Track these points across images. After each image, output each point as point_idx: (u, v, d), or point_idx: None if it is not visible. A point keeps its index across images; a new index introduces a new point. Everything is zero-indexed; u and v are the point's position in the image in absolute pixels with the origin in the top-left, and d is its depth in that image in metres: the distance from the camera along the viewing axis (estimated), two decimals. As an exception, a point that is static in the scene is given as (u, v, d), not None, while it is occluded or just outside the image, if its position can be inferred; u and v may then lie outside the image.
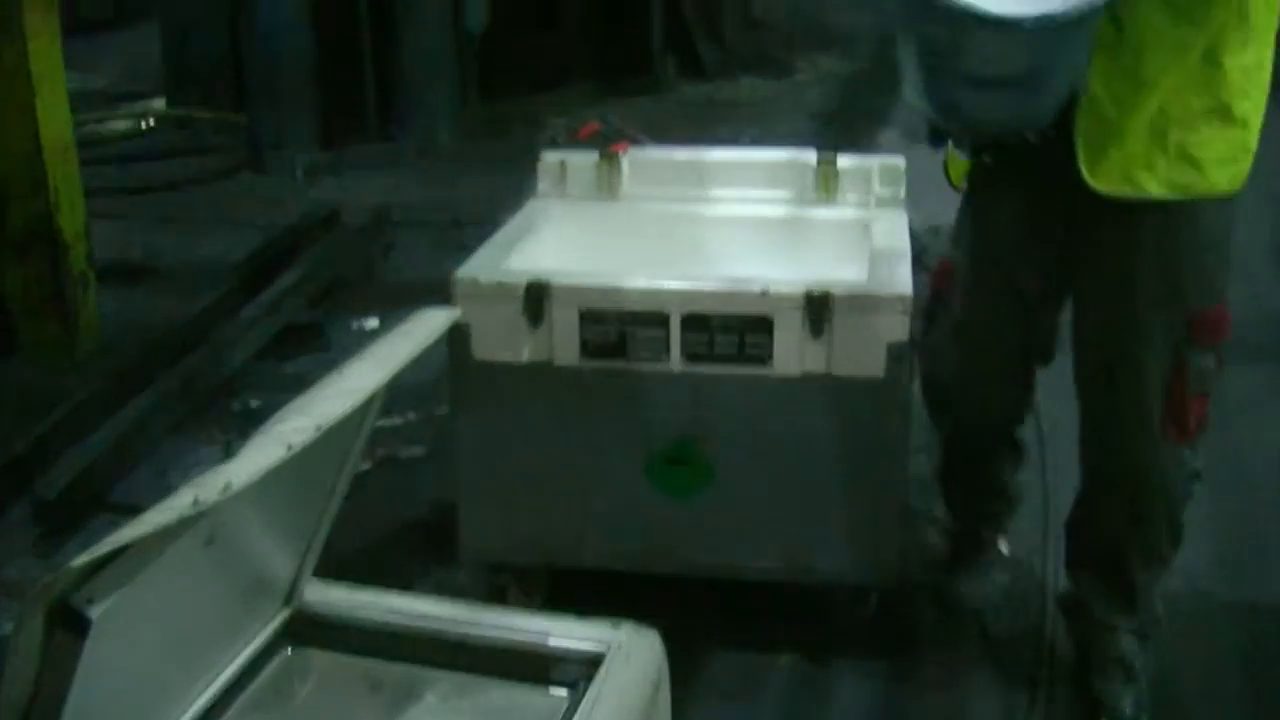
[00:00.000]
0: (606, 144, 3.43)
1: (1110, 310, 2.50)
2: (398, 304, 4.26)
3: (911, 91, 2.32)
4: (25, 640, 1.25)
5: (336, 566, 2.05)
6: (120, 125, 7.41)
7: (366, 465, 3.51)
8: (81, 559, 1.24)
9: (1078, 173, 2.33)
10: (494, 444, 2.82)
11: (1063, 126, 2.31)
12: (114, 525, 1.28)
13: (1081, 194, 2.35)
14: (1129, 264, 2.44)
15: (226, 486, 1.34)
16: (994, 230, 2.63)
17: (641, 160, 3.28)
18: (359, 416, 1.81)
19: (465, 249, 2.97)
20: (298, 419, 1.52)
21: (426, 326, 1.78)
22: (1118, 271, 2.46)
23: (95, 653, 1.29)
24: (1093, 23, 2.13)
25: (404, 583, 2.77)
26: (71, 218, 4.46)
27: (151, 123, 7.45)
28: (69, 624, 1.25)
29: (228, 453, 1.46)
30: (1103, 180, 2.34)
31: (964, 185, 2.68)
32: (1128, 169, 2.33)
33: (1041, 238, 2.54)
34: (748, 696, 2.83)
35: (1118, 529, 2.62)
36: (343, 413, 1.55)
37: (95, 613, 1.24)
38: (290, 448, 1.45)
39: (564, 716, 1.75)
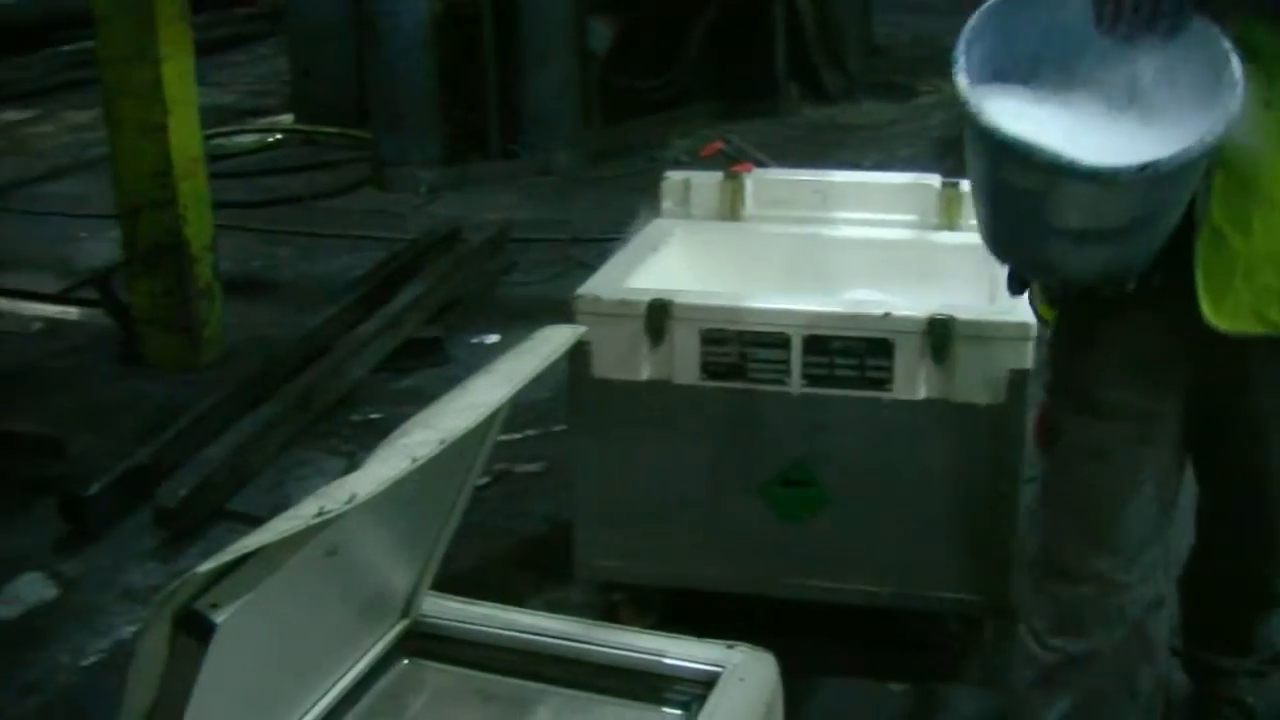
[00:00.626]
0: (730, 164, 3.42)
1: (1254, 439, 2.19)
2: (517, 320, 4.31)
3: (989, 241, 2.05)
4: (150, 644, 1.26)
5: (452, 581, 2.06)
6: (247, 140, 7.55)
7: (484, 480, 3.52)
8: (208, 565, 1.25)
9: (1199, 309, 1.95)
10: (611, 462, 2.81)
11: (1178, 254, 1.94)
12: (233, 534, 1.29)
13: (1206, 329, 1.97)
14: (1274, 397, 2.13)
15: (351, 497, 1.34)
16: (1105, 371, 2.16)
17: (765, 181, 3.26)
18: (481, 432, 1.81)
19: (585, 267, 2.99)
20: (422, 432, 1.53)
21: (550, 343, 1.78)
22: (1261, 405, 2.14)
23: (217, 659, 1.30)
24: (1203, 163, 1.80)
25: (517, 598, 2.77)
26: (199, 231, 4.54)
27: (278, 137, 7.58)
28: (193, 629, 1.26)
29: (351, 464, 1.46)
30: (1229, 319, 1.95)
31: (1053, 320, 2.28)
32: (1260, 306, 1.95)
33: (1161, 375, 2.14)
34: (861, 723, 2.80)
35: (1235, 579, 2.53)
36: (467, 427, 1.55)
37: (219, 618, 1.25)
38: (414, 460, 1.46)
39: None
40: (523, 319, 3.62)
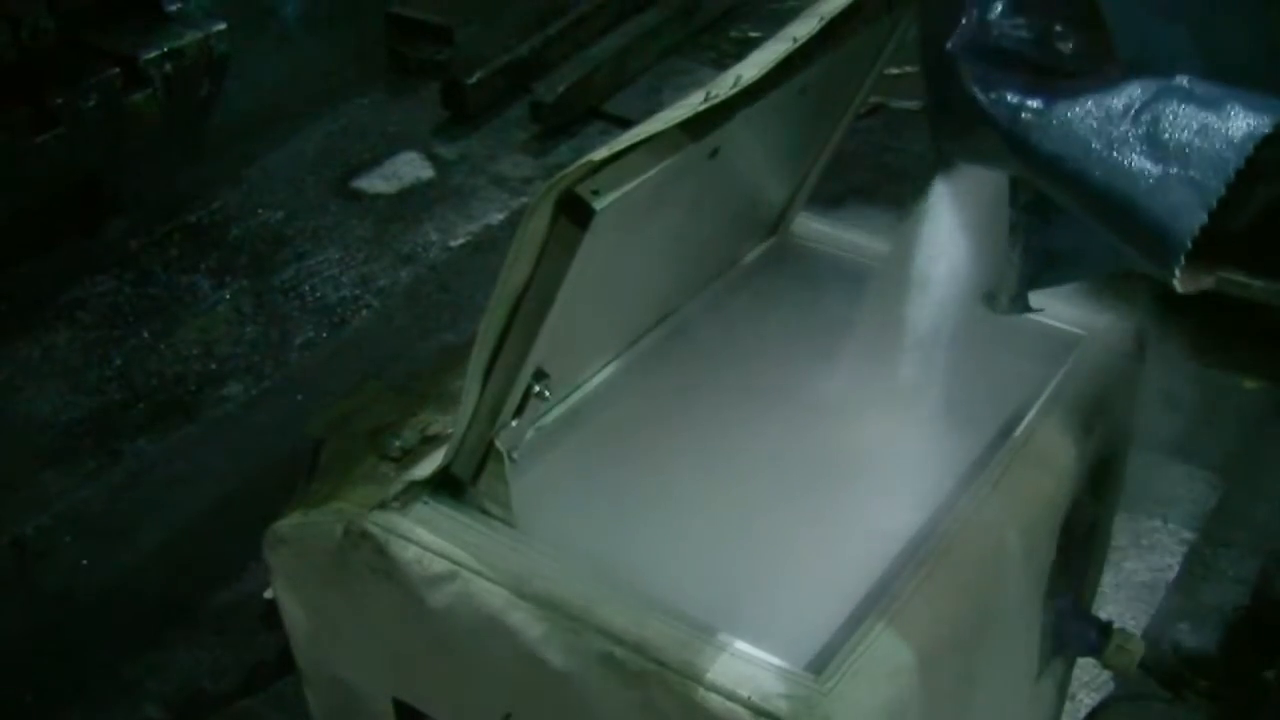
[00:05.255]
0: None
1: None
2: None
3: None
4: (533, 224, 1.26)
5: (821, 205, 2.02)
6: None
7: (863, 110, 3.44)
8: (599, 152, 1.22)
9: None
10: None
11: None
12: (605, 135, 1.26)
13: None
14: None
15: (737, 80, 1.30)
16: None
17: None
18: (872, 54, 1.73)
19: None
20: (802, 20, 1.46)
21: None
22: None
23: (592, 247, 1.29)
24: None
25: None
26: None
27: None
28: (574, 213, 1.25)
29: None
30: None
31: None
32: None
33: None
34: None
35: None
36: (845, 4, 1.47)
37: (599, 204, 1.23)
38: (795, 40, 1.39)
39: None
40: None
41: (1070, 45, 1.16)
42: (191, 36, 3.45)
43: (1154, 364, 1.90)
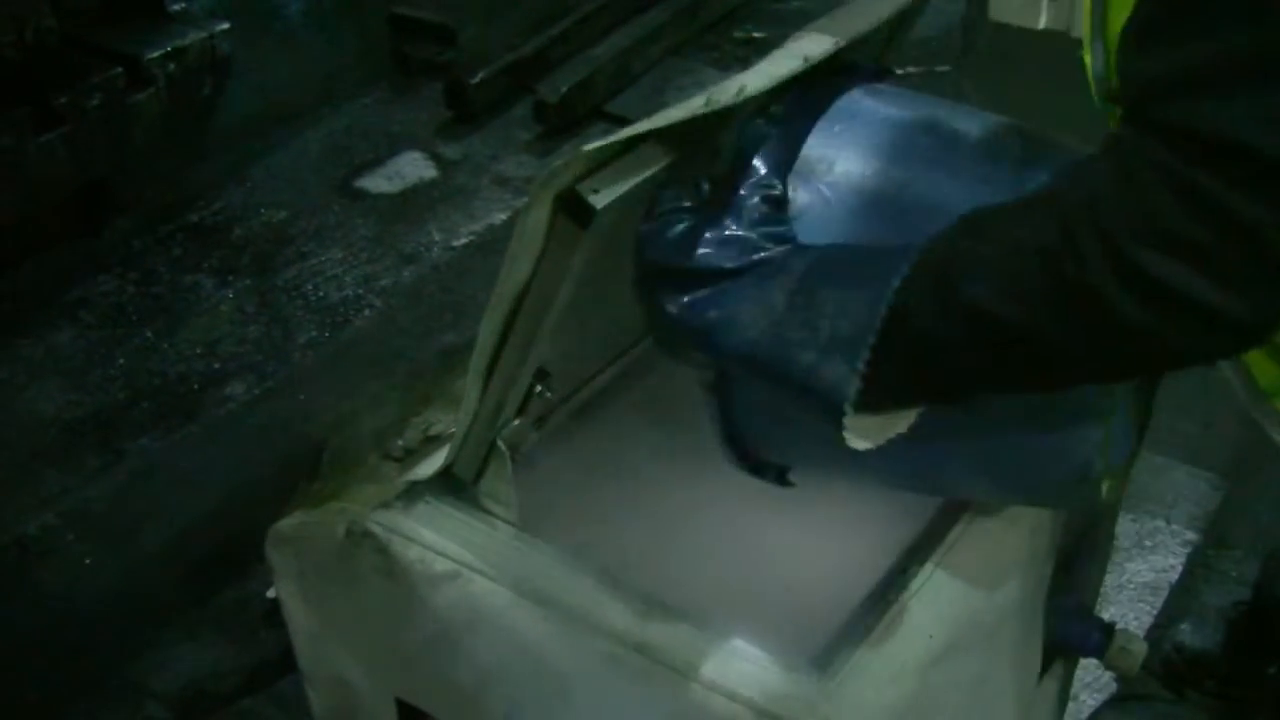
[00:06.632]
0: None
1: None
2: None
3: None
4: (531, 222, 1.26)
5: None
6: None
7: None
8: (594, 145, 1.22)
9: None
10: (996, 107, 2.69)
11: None
12: (609, 134, 1.26)
13: None
14: None
15: (740, 90, 1.29)
16: None
17: None
18: (875, 53, 1.73)
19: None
20: (817, 36, 1.46)
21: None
22: None
23: (592, 246, 1.29)
24: None
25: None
26: None
27: None
28: (573, 210, 1.25)
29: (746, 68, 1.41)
30: None
31: None
32: None
33: None
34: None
35: None
36: (864, 31, 1.47)
37: (599, 203, 1.23)
38: (807, 59, 1.39)
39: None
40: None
41: (734, 251, 1.26)
42: (195, 36, 3.45)
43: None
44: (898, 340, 1.13)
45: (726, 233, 1.27)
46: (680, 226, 1.29)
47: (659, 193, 1.31)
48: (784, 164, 1.34)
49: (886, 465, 1.29)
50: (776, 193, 1.31)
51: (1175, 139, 0.99)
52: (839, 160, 1.34)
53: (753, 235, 1.27)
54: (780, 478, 1.48)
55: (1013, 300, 1.06)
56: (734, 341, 1.24)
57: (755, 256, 1.25)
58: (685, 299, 1.27)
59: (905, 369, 1.15)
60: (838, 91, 1.42)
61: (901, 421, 1.19)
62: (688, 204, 1.31)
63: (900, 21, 1.64)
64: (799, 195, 1.33)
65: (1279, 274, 0.98)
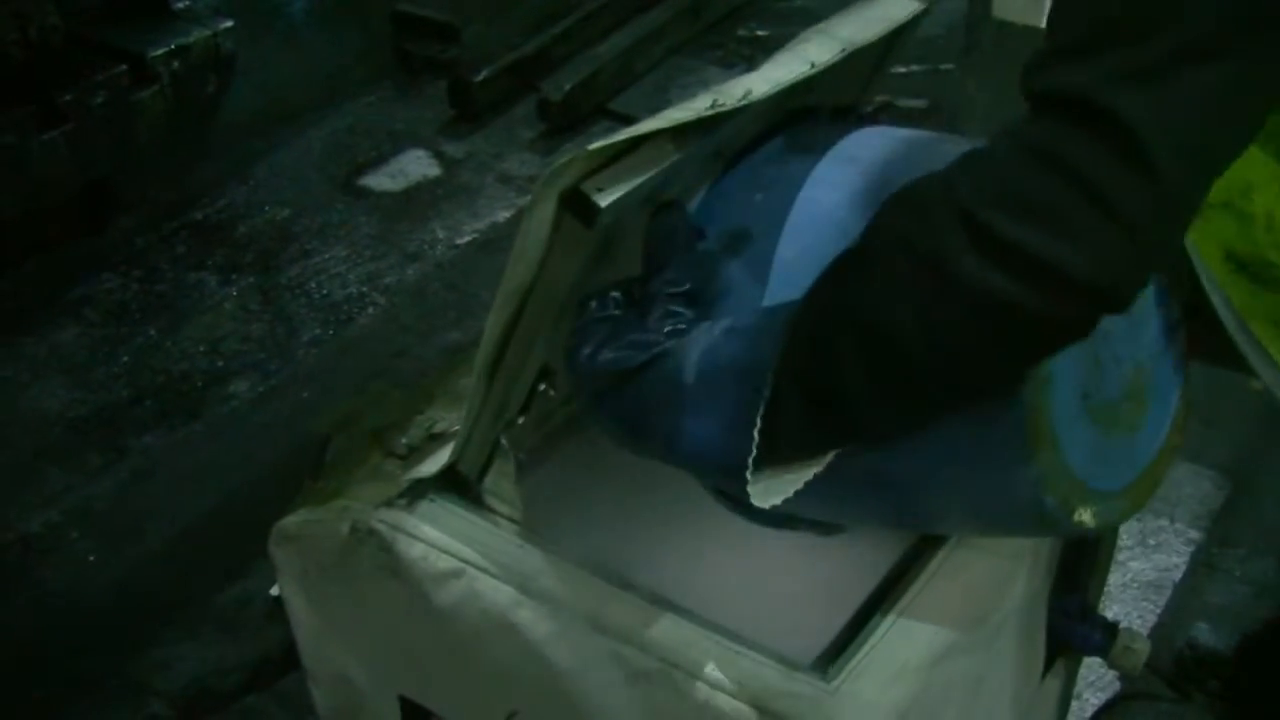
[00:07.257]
0: None
1: None
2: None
3: None
4: (535, 220, 1.26)
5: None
6: None
7: (869, 108, 3.43)
8: (598, 144, 1.22)
9: None
10: (999, 106, 2.69)
11: None
12: (612, 133, 1.26)
13: None
14: None
15: (746, 93, 1.29)
16: None
17: None
18: (879, 51, 1.72)
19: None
20: (823, 39, 1.46)
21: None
22: None
23: (595, 246, 1.29)
24: None
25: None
26: None
27: None
28: (578, 209, 1.24)
29: (751, 67, 1.41)
30: None
31: None
32: None
33: None
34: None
35: None
36: (872, 37, 1.47)
37: (605, 202, 1.23)
38: (813, 65, 1.39)
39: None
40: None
41: (640, 351, 1.25)
42: (198, 34, 3.45)
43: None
44: (786, 387, 1.14)
45: (632, 336, 1.26)
46: (596, 337, 1.28)
47: (577, 307, 1.31)
48: (703, 257, 1.32)
49: (872, 511, 1.32)
50: (683, 289, 1.28)
51: (1036, 104, 1.01)
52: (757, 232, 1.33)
53: (658, 335, 1.25)
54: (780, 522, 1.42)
55: (888, 301, 1.05)
56: (646, 436, 1.25)
57: (655, 351, 1.24)
58: (603, 405, 1.27)
59: (799, 415, 1.15)
60: (776, 154, 1.41)
61: (808, 469, 1.18)
62: (604, 315, 1.30)
63: (891, 43, 1.63)
64: (730, 269, 1.31)
65: (1128, 233, 0.96)
